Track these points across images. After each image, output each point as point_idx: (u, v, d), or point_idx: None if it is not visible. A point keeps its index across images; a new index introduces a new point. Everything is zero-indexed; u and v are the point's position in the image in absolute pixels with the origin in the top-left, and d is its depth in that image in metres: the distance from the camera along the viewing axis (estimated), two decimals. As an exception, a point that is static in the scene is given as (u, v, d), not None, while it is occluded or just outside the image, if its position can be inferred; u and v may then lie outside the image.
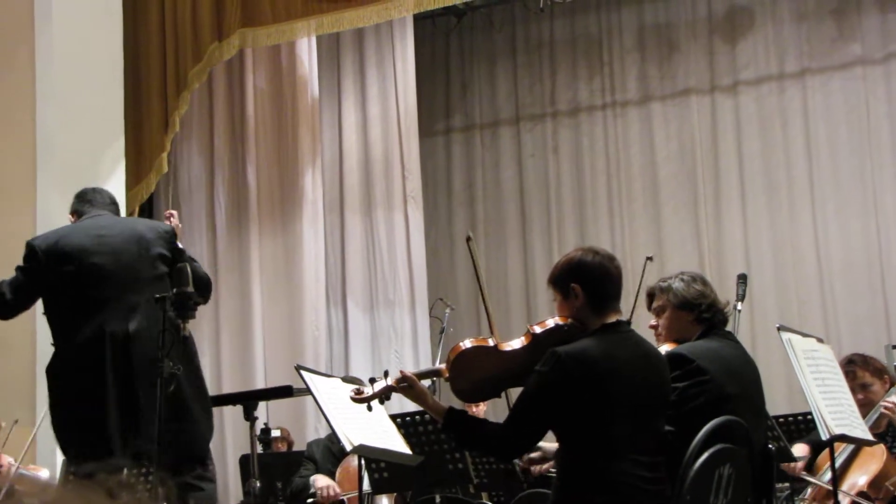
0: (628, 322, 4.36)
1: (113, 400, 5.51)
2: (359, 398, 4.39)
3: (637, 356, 4.20)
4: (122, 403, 5.49)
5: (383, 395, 4.37)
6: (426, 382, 4.50)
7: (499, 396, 4.54)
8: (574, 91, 11.05)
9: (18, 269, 5.85)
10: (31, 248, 5.83)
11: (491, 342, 4.38)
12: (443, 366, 4.40)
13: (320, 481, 7.18)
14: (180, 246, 6.02)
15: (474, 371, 4.32)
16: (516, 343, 4.33)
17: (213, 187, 9.86)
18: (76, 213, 6.14)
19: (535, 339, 4.28)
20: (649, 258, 7.31)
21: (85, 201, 6.13)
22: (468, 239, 6.06)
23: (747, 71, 10.36)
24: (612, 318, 4.23)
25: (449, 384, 4.38)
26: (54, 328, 5.81)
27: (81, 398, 5.62)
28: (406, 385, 4.31)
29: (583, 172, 10.91)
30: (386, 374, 4.36)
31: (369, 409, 4.42)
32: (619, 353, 4.14)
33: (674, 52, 10.67)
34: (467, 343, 4.35)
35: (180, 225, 6.58)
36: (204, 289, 5.93)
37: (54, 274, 5.72)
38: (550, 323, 4.30)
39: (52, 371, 5.78)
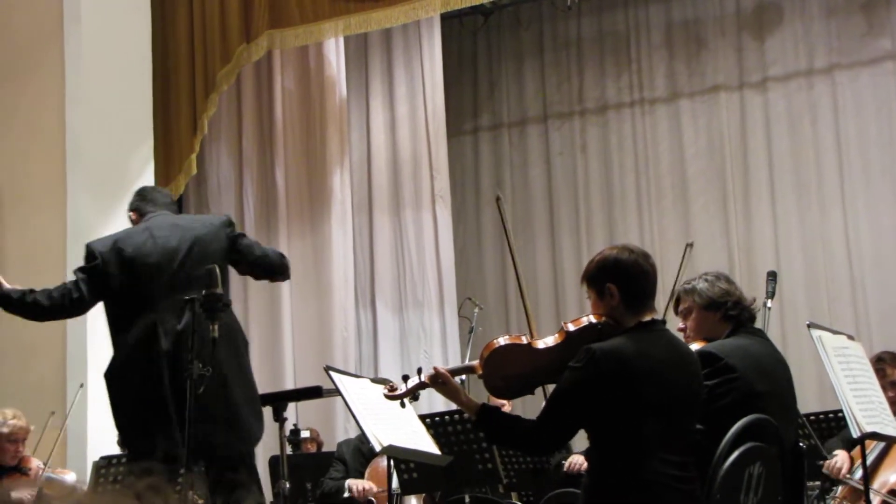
0: (663, 321, 4.34)
1: (170, 395, 5.48)
2: (392, 395, 4.41)
3: (671, 355, 4.18)
4: (176, 400, 5.46)
5: (416, 392, 4.38)
6: (457, 379, 4.49)
7: (531, 393, 4.53)
8: (602, 89, 11.03)
9: (80, 270, 5.78)
10: (90, 250, 5.80)
11: (525, 339, 4.37)
12: (476, 362, 4.40)
13: (354, 485, 7.18)
14: (238, 233, 5.93)
15: (508, 368, 4.31)
16: (550, 340, 4.32)
17: (242, 188, 9.89)
18: (137, 210, 6.05)
19: (568, 337, 4.27)
20: (689, 245, 7.25)
21: (147, 200, 6.07)
22: (497, 199, 6.04)
23: (776, 67, 10.31)
24: (647, 317, 4.21)
25: (482, 381, 4.37)
26: (112, 331, 5.79)
27: (140, 396, 5.61)
28: (440, 382, 4.32)
29: (611, 170, 10.89)
30: (419, 371, 4.37)
31: (402, 405, 4.43)
32: (653, 352, 4.12)
33: (702, 48, 10.64)
34: (501, 340, 4.34)
35: None
36: (274, 269, 5.98)
37: (112, 275, 5.70)
38: (585, 321, 4.28)
39: (108, 375, 5.74)
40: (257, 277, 6.25)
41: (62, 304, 5.78)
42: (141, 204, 6.08)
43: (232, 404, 5.56)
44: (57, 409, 7.77)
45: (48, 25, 8.74)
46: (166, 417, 5.40)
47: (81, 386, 7.64)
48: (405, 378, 4.38)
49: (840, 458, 6.03)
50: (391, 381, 4.66)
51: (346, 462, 7.49)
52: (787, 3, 10.32)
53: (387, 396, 4.46)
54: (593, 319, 4.27)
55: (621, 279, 4.22)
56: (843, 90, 10.03)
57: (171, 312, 5.53)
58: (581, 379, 4.06)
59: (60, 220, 8.45)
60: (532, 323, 5.16)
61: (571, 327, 4.30)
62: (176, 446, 5.26)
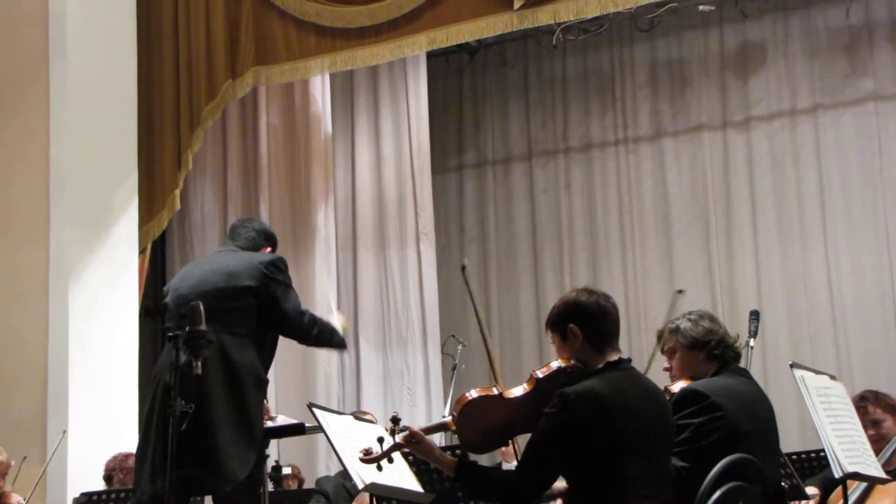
0: (629, 359, 4.34)
1: (160, 431, 5.43)
2: (368, 459, 4.36)
3: (641, 393, 4.19)
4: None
5: (391, 455, 4.33)
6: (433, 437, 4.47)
7: (507, 444, 4.51)
8: (586, 127, 11.07)
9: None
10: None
11: (495, 390, 4.36)
12: (449, 419, 4.38)
13: None
14: (280, 278, 5.86)
15: (482, 421, 4.28)
16: (520, 390, 4.30)
17: (226, 224, 9.85)
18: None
19: (539, 384, 4.25)
20: (679, 291, 7.24)
21: (229, 236, 6.19)
22: (463, 268, 6.06)
23: (759, 107, 10.36)
24: (614, 356, 4.22)
25: (457, 437, 4.35)
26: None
27: (146, 426, 5.61)
28: (414, 442, 4.29)
29: (595, 208, 10.91)
30: (393, 433, 4.33)
31: (379, 468, 4.38)
32: (626, 390, 4.12)
33: (686, 88, 10.69)
34: (472, 393, 4.31)
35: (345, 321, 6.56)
36: (297, 332, 5.97)
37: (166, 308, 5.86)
38: (553, 366, 4.27)
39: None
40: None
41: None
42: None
43: (216, 442, 5.53)
44: (37, 444, 7.73)
45: (34, 60, 8.75)
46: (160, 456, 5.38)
47: (64, 433, 7.62)
48: (380, 440, 4.34)
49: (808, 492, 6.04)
50: (374, 417, 4.62)
51: (328, 496, 7.47)
52: (770, 43, 10.38)
53: (362, 461, 4.41)
54: (561, 364, 4.26)
55: (583, 320, 4.24)
56: (825, 130, 10.07)
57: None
58: (558, 424, 4.04)
59: (43, 253, 8.44)
60: (497, 374, 5.15)
61: (540, 374, 4.28)
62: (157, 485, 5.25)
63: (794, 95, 10.25)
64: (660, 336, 4.96)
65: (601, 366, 4.19)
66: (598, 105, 11.06)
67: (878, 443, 6.15)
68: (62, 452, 7.69)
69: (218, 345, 5.37)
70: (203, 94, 9.27)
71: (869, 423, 6.27)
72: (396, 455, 4.45)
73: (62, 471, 7.86)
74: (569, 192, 11.06)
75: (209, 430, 5.45)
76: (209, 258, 6.10)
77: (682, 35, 10.73)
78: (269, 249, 6.10)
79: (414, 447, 4.30)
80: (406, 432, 4.31)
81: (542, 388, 4.21)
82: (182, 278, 5.91)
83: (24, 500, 6.99)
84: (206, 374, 5.00)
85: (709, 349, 4.78)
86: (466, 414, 4.27)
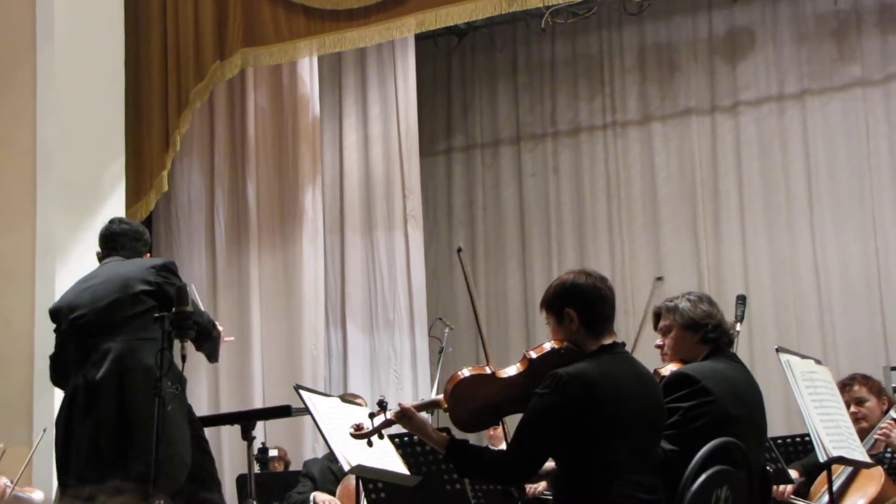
0: (623, 343, 4.35)
1: (76, 444, 5.53)
2: (359, 434, 4.35)
3: (634, 377, 4.20)
4: (88, 448, 5.51)
5: (382, 430, 4.34)
6: (424, 414, 4.46)
7: (497, 424, 4.51)
8: (575, 111, 11.07)
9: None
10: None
11: (488, 370, 4.36)
12: (441, 396, 4.38)
13: (320, 497, 7.17)
14: (174, 282, 5.73)
15: (473, 399, 4.29)
16: (513, 370, 4.31)
17: (213, 206, 9.85)
18: (98, 255, 6.12)
19: (531, 365, 4.26)
20: (658, 278, 7.25)
21: (106, 245, 6.06)
22: (459, 250, 6.06)
23: (747, 92, 10.37)
24: (608, 340, 4.23)
25: (448, 415, 4.35)
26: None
27: (60, 443, 5.73)
28: (406, 418, 4.30)
29: (583, 192, 10.92)
30: (383, 407, 4.33)
31: (370, 444, 4.38)
32: (618, 374, 4.13)
33: (674, 72, 10.69)
34: (465, 372, 4.32)
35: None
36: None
37: (57, 332, 5.87)
38: (547, 347, 4.28)
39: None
40: None
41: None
42: (103, 248, 6.08)
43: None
44: (24, 427, 7.71)
45: (21, 41, 8.71)
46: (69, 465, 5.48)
47: (45, 431, 7.61)
48: (371, 416, 4.34)
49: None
50: (362, 398, 4.62)
51: (314, 479, 7.47)
52: (758, 28, 10.39)
53: (353, 436, 4.40)
54: (555, 345, 4.27)
55: (580, 303, 4.24)
56: (813, 115, 10.10)
57: (96, 359, 5.58)
58: (549, 404, 4.05)
59: (30, 235, 8.41)
60: (489, 354, 5.16)
61: (533, 354, 4.29)
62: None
63: (782, 80, 10.27)
64: (657, 313, 4.95)
65: (595, 349, 4.20)
66: (587, 89, 11.06)
67: (859, 422, 6.20)
68: (48, 434, 7.68)
69: (129, 351, 5.47)
70: (191, 75, 9.25)
71: (853, 401, 6.33)
72: (385, 438, 4.45)
73: (49, 457, 7.84)
74: (557, 175, 11.07)
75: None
76: (98, 272, 5.94)
77: (671, 19, 10.73)
78: (148, 255, 6.14)
79: (405, 423, 4.31)
80: (397, 408, 4.32)
81: (535, 369, 4.22)
82: (73, 299, 5.85)
83: (11, 483, 6.97)
84: (127, 381, 5.11)
85: (704, 332, 4.77)
86: (458, 392, 4.28)
